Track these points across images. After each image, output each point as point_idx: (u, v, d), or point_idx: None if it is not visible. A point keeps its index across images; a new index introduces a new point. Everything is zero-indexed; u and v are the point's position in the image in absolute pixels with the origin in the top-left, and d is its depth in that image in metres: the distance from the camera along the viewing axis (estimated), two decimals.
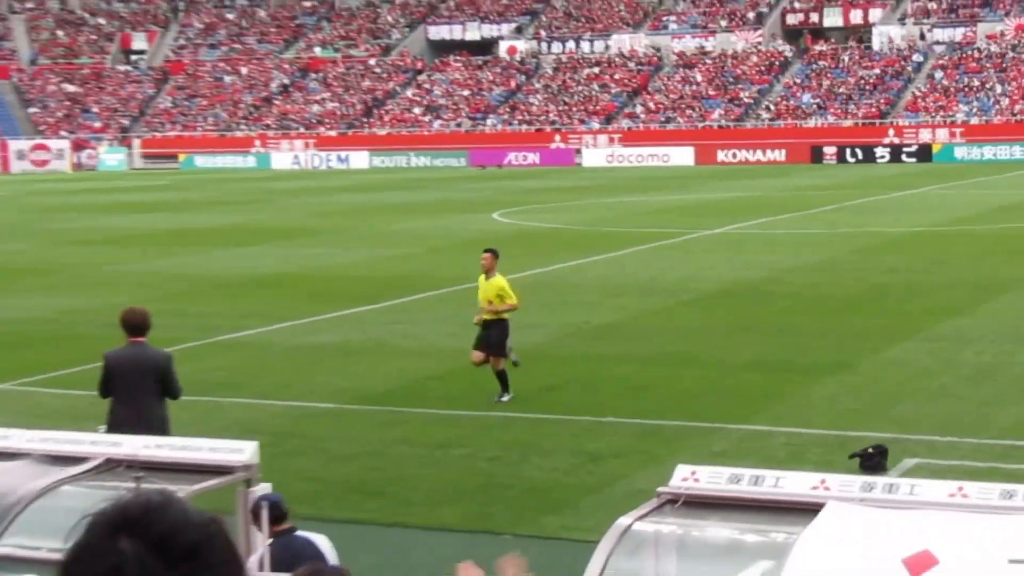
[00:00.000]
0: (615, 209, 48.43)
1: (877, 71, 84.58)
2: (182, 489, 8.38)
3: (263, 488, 8.77)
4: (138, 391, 12.83)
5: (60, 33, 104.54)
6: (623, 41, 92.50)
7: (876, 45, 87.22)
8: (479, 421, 17.15)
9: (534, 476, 14.85)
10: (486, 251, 19.15)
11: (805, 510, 6.42)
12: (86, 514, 2.48)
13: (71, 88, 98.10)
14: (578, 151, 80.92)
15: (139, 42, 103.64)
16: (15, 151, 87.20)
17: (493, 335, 18.21)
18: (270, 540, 9.08)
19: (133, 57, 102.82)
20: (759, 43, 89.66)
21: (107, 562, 2.38)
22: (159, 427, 12.72)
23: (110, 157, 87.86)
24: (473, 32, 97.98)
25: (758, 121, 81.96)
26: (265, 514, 8.71)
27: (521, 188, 59.72)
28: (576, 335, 23.15)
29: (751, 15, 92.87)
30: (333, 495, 13.90)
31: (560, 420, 17.06)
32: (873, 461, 14.26)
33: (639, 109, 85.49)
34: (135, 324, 13.14)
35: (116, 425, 12.54)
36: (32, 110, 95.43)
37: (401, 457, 15.62)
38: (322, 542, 9.58)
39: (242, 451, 8.84)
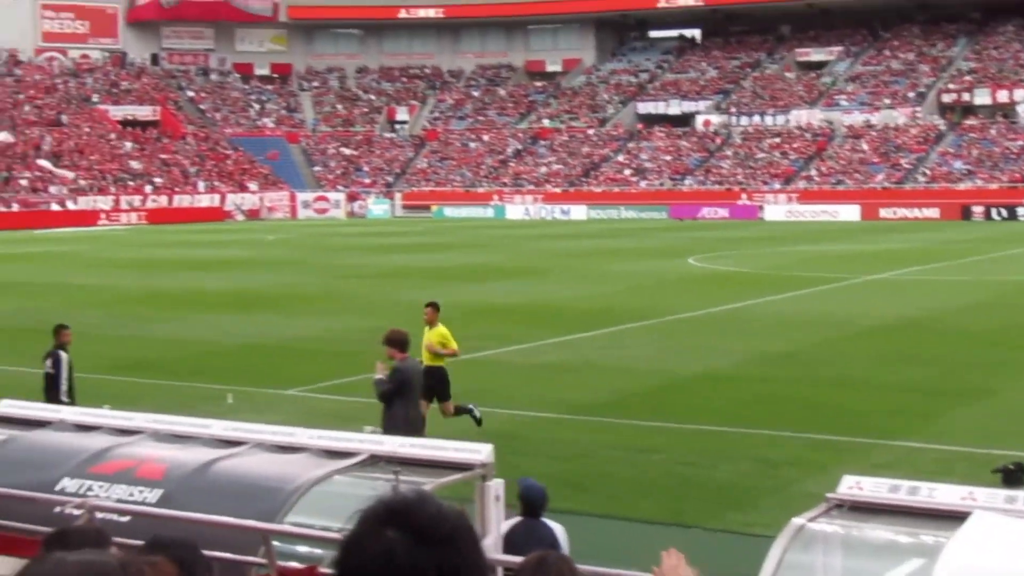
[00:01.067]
0: (792, 256, 47.71)
1: (1021, 142, 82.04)
2: (431, 482, 8.47)
3: (497, 483, 8.79)
4: (412, 396, 13.07)
5: (339, 106, 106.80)
6: (801, 116, 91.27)
7: (1021, 120, 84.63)
8: (676, 431, 17.01)
9: (721, 479, 14.68)
10: (428, 305, 17.47)
11: (954, 517, 6.24)
12: (357, 510, 2.53)
13: (347, 151, 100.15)
14: (761, 207, 79.96)
15: (402, 114, 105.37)
16: (301, 201, 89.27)
17: (435, 383, 16.42)
18: (517, 519, 9.11)
19: (397, 126, 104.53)
20: (918, 118, 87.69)
21: (379, 548, 2.44)
22: (421, 426, 12.93)
23: (377, 207, 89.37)
24: (675, 107, 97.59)
25: (916, 183, 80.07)
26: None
27: (712, 237, 59.22)
28: (759, 361, 22.84)
29: (911, 94, 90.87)
30: (551, 489, 13.87)
31: (744, 432, 16.84)
32: (1014, 476, 13.79)
33: (814, 172, 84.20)
34: (405, 341, 13.34)
35: (393, 426, 12.68)
36: (316, 168, 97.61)
37: (608, 459, 15.56)
38: (559, 531, 9.57)
39: (480, 451, 8.89)
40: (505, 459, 11.83)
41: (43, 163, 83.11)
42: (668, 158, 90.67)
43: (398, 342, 13.30)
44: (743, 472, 14.91)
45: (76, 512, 8.12)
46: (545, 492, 9.67)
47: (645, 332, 26.75)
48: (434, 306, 17.42)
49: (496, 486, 8.79)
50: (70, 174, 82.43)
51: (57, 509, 8.31)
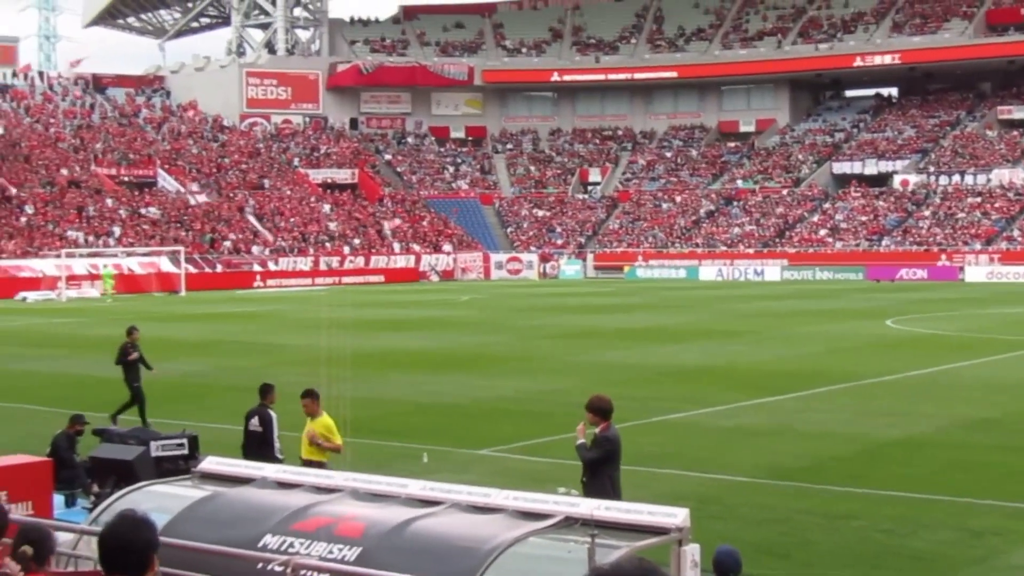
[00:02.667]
0: (994, 319, 46.32)
1: None
2: (627, 545, 8.40)
3: (693, 548, 8.68)
4: (617, 463, 13.00)
5: (532, 168, 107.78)
6: (1003, 175, 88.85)
7: None
8: (874, 497, 16.59)
9: (920, 547, 14.25)
10: (305, 395, 15.77)
11: None
12: (589, 572, 2.58)
13: (540, 212, 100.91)
14: (961, 268, 77.94)
15: (594, 175, 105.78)
16: (495, 262, 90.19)
17: None
18: None
19: (589, 187, 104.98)
20: None
21: None
22: (618, 490, 12.87)
23: (569, 268, 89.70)
24: (871, 167, 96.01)
25: None
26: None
27: (911, 299, 57.87)
28: (959, 426, 22.18)
29: None
30: (747, 555, 13.65)
31: (945, 500, 16.34)
32: None
33: (1016, 232, 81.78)
34: (609, 409, 13.23)
35: (598, 493, 12.59)
36: (509, 229, 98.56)
37: (805, 525, 15.25)
38: None
39: (676, 516, 8.80)
40: (701, 523, 11.69)
41: (251, 219, 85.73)
42: (864, 218, 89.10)
43: (602, 410, 13.18)
44: (943, 541, 14.46)
45: (279, 569, 8.28)
46: (739, 558, 9.51)
47: (842, 395, 26.23)
48: (313, 396, 15.72)
49: (692, 550, 8.68)
50: (269, 235, 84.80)
51: (260, 565, 8.48)
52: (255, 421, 16.35)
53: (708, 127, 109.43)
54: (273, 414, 16.39)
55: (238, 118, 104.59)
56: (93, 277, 70.60)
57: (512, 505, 9.24)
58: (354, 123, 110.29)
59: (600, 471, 13.09)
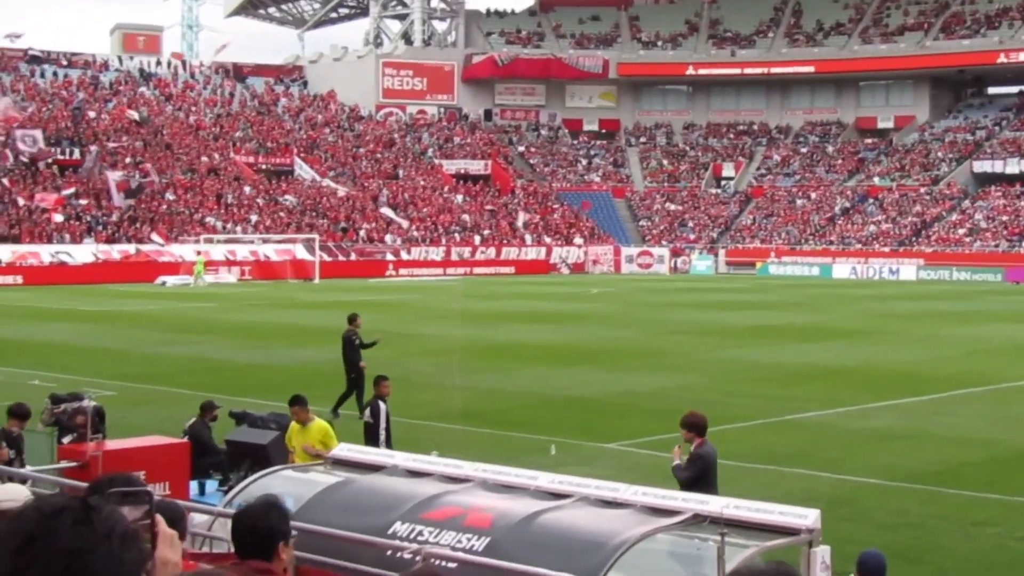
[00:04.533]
0: None
1: None
2: (756, 545, 8.33)
3: (824, 550, 8.58)
4: (714, 480, 12.53)
5: (665, 162, 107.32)
6: None
7: None
8: (1011, 504, 16.23)
9: None
10: (293, 402, 15.04)
11: None
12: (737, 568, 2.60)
13: (672, 206, 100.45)
14: None
15: (728, 170, 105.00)
16: (625, 256, 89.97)
17: None
18: None
19: (723, 182, 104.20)
20: None
21: None
22: None
23: (700, 263, 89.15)
24: (1013, 167, 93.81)
25: None
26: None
27: None
28: None
29: None
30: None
31: None
32: None
33: None
34: (704, 425, 12.81)
35: None
36: (641, 223, 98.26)
37: (939, 530, 14.98)
38: None
39: (806, 516, 8.71)
40: (832, 525, 11.55)
41: (386, 211, 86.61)
42: (1005, 219, 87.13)
43: (697, 426, 12.79)
44: None
45: (408, 556, 8.37)
46: (884, 561, 9.36)
47: (978, 399, 25.70)
48: (301, 403, 15.01)
49: (823, 552, 8.59)
50: (404, 222, 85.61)
51: (390, 552, 8.58)
52: (367, 413, 16.50)
53: (845, 123, 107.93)
54: (384, 406, 16.48)
55: (374, 108, 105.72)
56: (230, 263, 71.97)
57: (640, 501, 9.22)
58: (488, 115, 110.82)
59: (697, 490, 12.76)
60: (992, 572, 13.41)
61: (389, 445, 15.93)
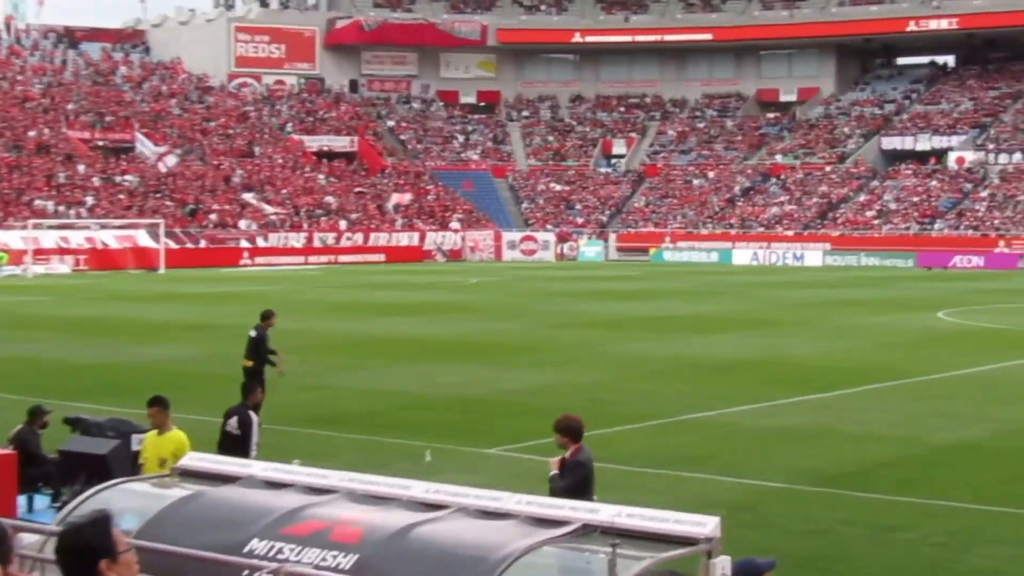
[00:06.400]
0: None
1: None
2: (651, 556, 8.37)
3: (724, 560, 8.64)
4: (592, 490, 12.45)
5: (550, 138, 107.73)
6: None
7: None
8: (925, 508, 16.54)
9: (976, 563, 14.22)
10: (152, 402, 14.10)
11: None
12: None
13: (558, 187, 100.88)
14: (1022, 256, 77.77)
15: (619, 147, 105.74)
16: (507, 241, 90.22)
17: None
18: None
19: (613, 160, 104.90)
20: None
21: None
22: None
23: (589, 249, 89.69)
24: (924, 143, 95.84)
25: None
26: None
27: (965, 289, 57.75)
28: (1021, 431, 22.11)
29: None
30: (785, 568, 13.62)
31: (1004, 512, 16.29)
32: None
33: None
34: (580, 429, 12.71)
35: None
36: (523, 205, 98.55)
37: (848, 537, 15.21)
38: None
39: (705, 524, 8.75)
40: (733, 533, 11.65)
41: (248, 197, 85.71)
42: (916, 200, 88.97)
43: (572, 430, 12.68)
44: (1002, 557, 14.42)
45: None
46: (758, 567, 9.43)
47: (890, 394, 26.18)
48: (162, 404, 14.06)
49: (723, 563, 8.64)
50: (269, 208, 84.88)
51: (247, 573, 8.46)
52: (233, 422, 15.99)
53: (745, 96, 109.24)
54: (255, 417, 16.17)
55: (226, 78, 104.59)
56: (63, 251, 70.76)
57: (525, 511, 9.20)
58: (354, 86, 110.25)
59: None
60: None
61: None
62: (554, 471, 12.40)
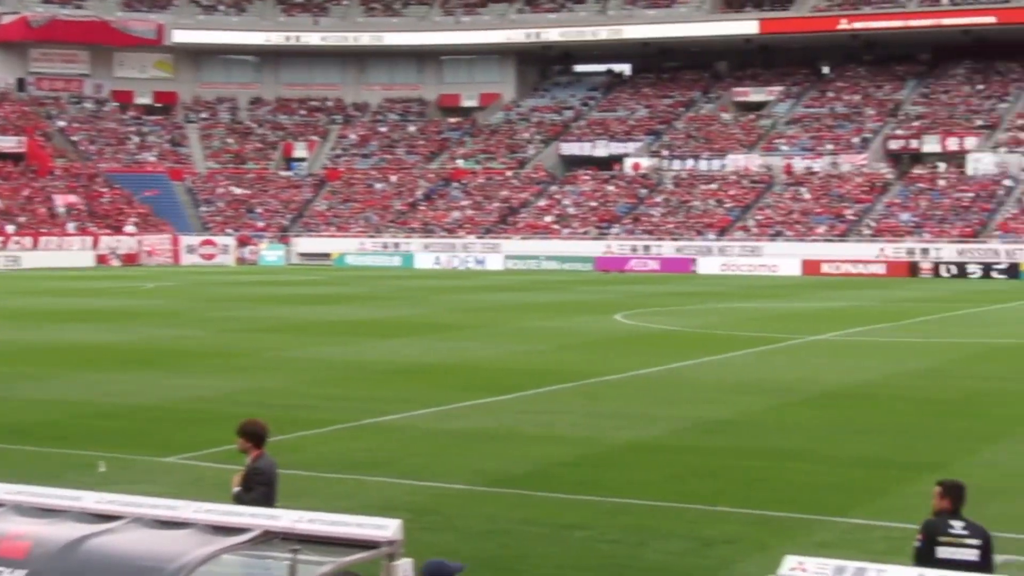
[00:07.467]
0: (728, 314, 48.12)
1: (971, 194, 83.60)
2: (332, 561, 8.33)
3: (406, 563, 8.67)
4: (276, 498, 12.26)
5: (230, 141, 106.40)
6: (738, 160, 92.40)
7: (970, 170, 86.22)
8: (602, 506, 16.96)
9: (650, 558, 14.62)
10: None
11: None
12: None
13: (238, 190, 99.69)
14: (694, 259, 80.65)
15: (300, 150, 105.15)
16: (186, 245, 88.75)
17: None
18: None
19: (294, 164, 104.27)
20: (863, 165, 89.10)
21: None
22: None
23: (270, 253, 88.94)
24: (601, 149, 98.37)
25: (860, 236, 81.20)
26: None
27: (641, 292, 59.55)
28: (693, 429, 22.90)
29: (856, 140, 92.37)
30: (466, 570, 13.76)
31: (677, 507, 16.84)
32: None
33: (751, 222, 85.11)
34: (264, 435, 12.48)
35: None
36: (203, 209, 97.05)
37: (529, 536, 15.46)
38: None
39: (387, 527, 8.75)
40: (415, 536, 11.71)
41: None
42: (594, 204, 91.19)
43: (256, 435, 12.42)
44: (675, 551, 14.87)
45: None
46: (444, 569, 9.53)
47: (569, 395, 26.74)
48: None
49: (405, 566, 8.66)
50: None
51: None
52: None
53: (427, 101, 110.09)
54: None
55: None
56: None
57: (203, 519, 9.03)
58: (21, 84, 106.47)
59: None
60: None
61: None
62: (236, 488, 12.14)
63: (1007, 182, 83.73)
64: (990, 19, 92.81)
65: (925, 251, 77.01)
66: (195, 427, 22.47)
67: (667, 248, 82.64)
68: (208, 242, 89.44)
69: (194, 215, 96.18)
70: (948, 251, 76.90)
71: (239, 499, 11.85)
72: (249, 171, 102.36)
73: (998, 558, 10.61)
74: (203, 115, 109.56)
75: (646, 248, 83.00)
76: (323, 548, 8.55)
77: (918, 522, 10.56)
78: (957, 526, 10.16)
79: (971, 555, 10.04)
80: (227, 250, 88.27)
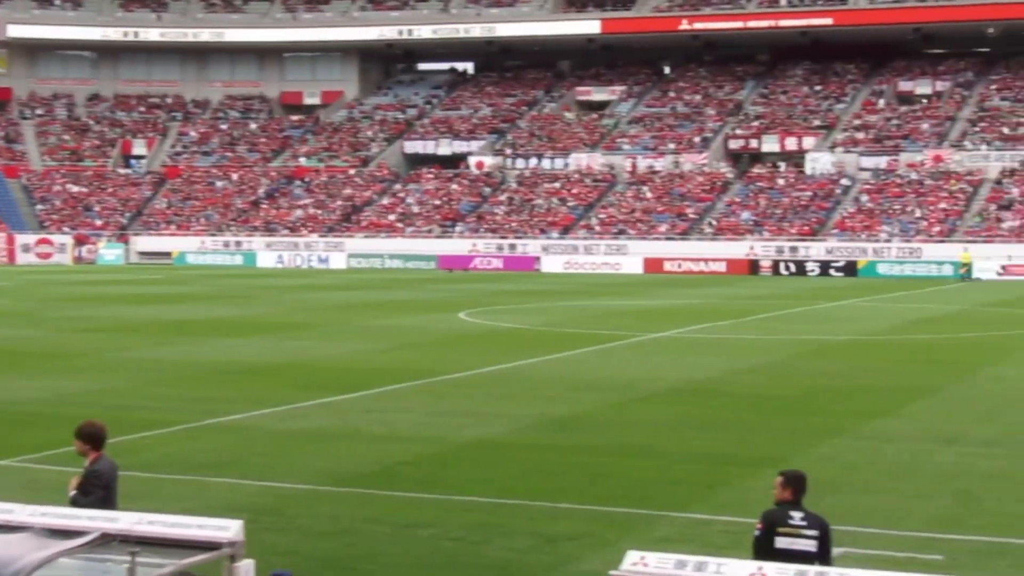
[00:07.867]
0: (571, 312, 48.50)
1: (809, 193, 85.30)
2: (173, 564, 8.27)
3: (247, 564, 8.64)
4: (116, 501, 12.09)
5: (67, 138, 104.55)
6: (581, 159, 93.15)
7: (809, 170, 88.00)
8: (445, 503, 17.01)
9: (494, 555, 14.71)
10: None
11: None
12: None
13: (75, 188, 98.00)
14: (538, 258, 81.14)
15: (139, 148, 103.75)
16: (21, 244, 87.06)
17: None
18: None
19: (133, 161, 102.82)
20: (704, 165, 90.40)
21: None
22: None
23: (109, 252, 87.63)
24: (445, 148, 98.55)
25: (702, 235, 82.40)
26: None
27: (485, 290, 59.78)
28: (536, 426, 23.05)
29: (697, 139, 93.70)
30: (308, 570, 13.74)
31: (521, 504, 16.94)
32: None
33: (594, 221, 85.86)
34: (103, 436, 12.28)
35: None
36: (39, 207, 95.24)
37: (372, 535, 15.45)
38: None
39: (228, 528, 8.72)
40: (257, 536, 11.66)
41: None
42: (437, 203, 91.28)
43: (95, 437, 12.22)
44: (518, 548, 14.96)
45: None
46: None
47: (413, 394, 26.76)
48: None
49: (247, 567, 8.64)
50: None
51: None
52: None
53: (269, 98, 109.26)
54: None
55: None
56: None
57: (39, 522, 8.92)
58: None
59: None
60: (426, 574, 14.00)
61: None
62: (72, 492, 11.97)
63: (844, 181, 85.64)
64: (827, 20, 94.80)
65: (794, 249, 78.49)
66: (32, 429, 22.07)
67: (511, 246, 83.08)
68: (44, 241, 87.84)
69: (30, 213, 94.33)
70: (788, 249, 78.46)
71: (76, 503, 11.69)
72: (87, 169, 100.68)
73: (835, 550, 10.85)
74: (39, 111, 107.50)
75: (492, 247, 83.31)
76: (163, 550, 8.49)
77: (756, 516, 10.77)
78: (796, 517, 10.36)
79: (808, 546, 10.25)
80: (64, 249, 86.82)
